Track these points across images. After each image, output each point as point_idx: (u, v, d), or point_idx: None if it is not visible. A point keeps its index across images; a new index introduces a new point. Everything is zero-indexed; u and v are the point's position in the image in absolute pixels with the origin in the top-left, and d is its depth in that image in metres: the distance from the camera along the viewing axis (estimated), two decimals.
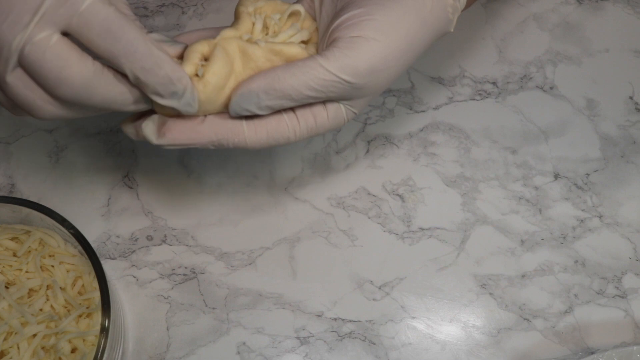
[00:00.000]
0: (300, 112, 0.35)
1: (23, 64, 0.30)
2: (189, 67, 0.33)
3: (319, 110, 0.35)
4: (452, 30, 0.36)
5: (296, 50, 0.35)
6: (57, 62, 0.29)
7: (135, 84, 0.31)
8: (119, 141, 0.50)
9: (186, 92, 0.32)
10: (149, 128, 0.34)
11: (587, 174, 0.50)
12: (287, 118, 0.35)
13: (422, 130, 0.50)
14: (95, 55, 0.30)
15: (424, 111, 0.51)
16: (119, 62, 0.30)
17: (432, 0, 0.34)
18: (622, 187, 0.49)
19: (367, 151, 0.50)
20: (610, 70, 0.53)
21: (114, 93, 0.31)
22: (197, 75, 0.33)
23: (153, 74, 0.30)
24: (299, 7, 0.37)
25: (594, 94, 0.52)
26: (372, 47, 0.32)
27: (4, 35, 0.29)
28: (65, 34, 0.30)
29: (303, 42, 0.37)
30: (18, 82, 0.30)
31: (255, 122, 0.34)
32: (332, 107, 0.35)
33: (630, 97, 0.52)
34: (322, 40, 0.36)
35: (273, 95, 0.33)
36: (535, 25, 0.54)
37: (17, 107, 0.32)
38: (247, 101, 0.33)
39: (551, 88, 0.52)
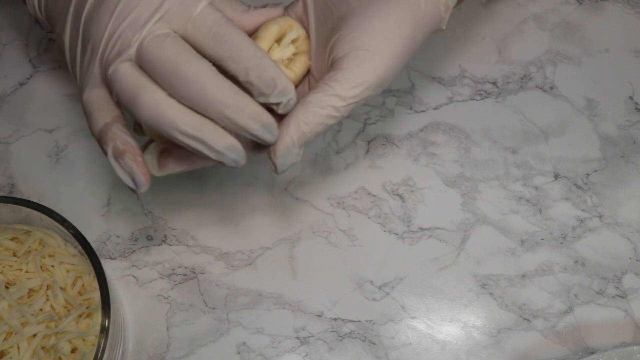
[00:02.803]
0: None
1: (140, 55, 0.31)
2: (264, 44, 0.36)
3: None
4: (444, 27, 0.37)
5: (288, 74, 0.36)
6: (176, 54, 0.31)
7: (244, 85, 0.32)
8: None
9: (288, 91, 0.33)
10: (148, 161, 0.36)
11: (587, 174, 0.50)
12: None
13: (422, 130, 0.50)
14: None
15: (424, 111, 0.51)
16: (225, 63, 0.32)
17: (426, 0, 0.35)
18: (622, 187, 0.49)
19: (367, 151, 0.50)
20: (610, 70, 0.53)
21: (226, 98, 0.31)
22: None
23: (257, 74, 0.32)
24: (295, 34, 0.38)
25: (594, 94, 0.52)
26: (377, 60, 0.34)
27: (124, 32, 0.31)
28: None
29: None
30: (128, 70, 0.31)
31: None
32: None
33: (630, 97, 0.52)
34: (321, 50, 0.37)
35: (304, 139, 0.34)
36: (535, 25, 0.54)
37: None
38: (290, 157, 0.34)
39: (551, 88, 0.52)
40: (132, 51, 0.32)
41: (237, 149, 0.32)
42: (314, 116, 0.34)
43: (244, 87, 0.32)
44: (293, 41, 0.38)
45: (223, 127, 0.32)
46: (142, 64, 0.32)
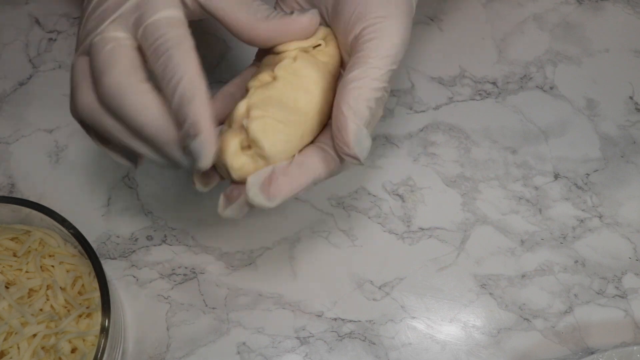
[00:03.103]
0: None
1: (89, 51, 0.32)
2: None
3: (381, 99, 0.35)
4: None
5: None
6: (110, 58, 0.30)
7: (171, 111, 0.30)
8: None
9: (197, 141, 0.29)
10: (253, 192, 0.32)
11: (587, 174, 0.50)
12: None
13: (422, 130, 0.50)
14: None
15: (424, 111, 0.51)
16: (160, 81, 0.30)
17: None
18: (622, 187, 0.49)
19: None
20: (610, 70, 0.53)
21: (145, 115, 0.30)
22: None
23: (176, 105, 0.30)
24: (321, 36, 0.36)
25: (594, 94, 0.52)
26: (391, 24, 0.33)
27: (88, 25, 0.32)
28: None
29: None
30: (79, 65, 0.32)
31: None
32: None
33: (630, 97, 0.52)
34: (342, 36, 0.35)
35: (363, 117, 0.32)
36: (535, 25, 0.54)
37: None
38: (363, 140, 0.32)
39: (551, 88, 0.52)
40: (87, 44, 0.32)
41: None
42: (360, 93, 0.32)
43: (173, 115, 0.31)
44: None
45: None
46: (89, 56, 0.32)
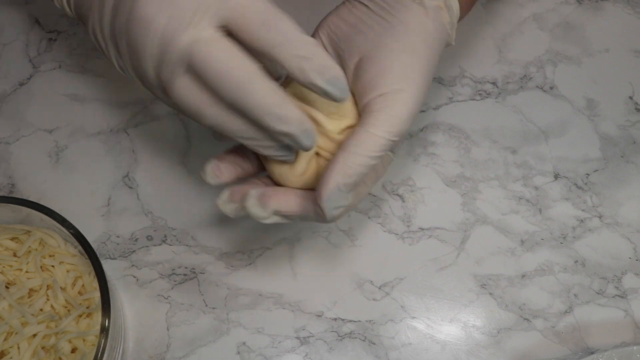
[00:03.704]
0: (367, 177, 0.36)
1: (191, 64, 0.30)
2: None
3: (377, 166, 0.37)
4: (453, 43, 0.38)
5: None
6: (225, 58, 0.30)
7: (293, 76, 0.31)
8: (119, 141, 0.50)
9: (339, 79, 0.31)
10: (250, 202, 0.35)
11: (587, 174, 0.50)
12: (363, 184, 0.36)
13: (422, 130, 0.50)
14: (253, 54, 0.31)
15: (424, 111, 0.51)
16: (275, 51, 0.30)
17: (433, 22, 0.36)
18: (622, 187, 0.49)
19: None
20: (610, 70, 0.53)
21: (273, 101, 0.31)
22: None
23: (308, 61, 0.30)
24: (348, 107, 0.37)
25: (594, 94, 0.52)
26: (404, 97, 0.34)
27: (169, 36, 0.30)
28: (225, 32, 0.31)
29: None
30: (186, 86, 0.31)
31: None
32: (385, 158, 0.37)
33: (630, 97, 0.52)
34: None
35: (349, 181, 0.34)
36: (535, 25, 0.54)
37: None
38: (336, 200, 0.34)
39: (551, 88, 0.52)
40: (184, 60, 0.31)
41: (307, 125, 0.32)
42: (355, 159, 0.33)
43: (293, 75, 0.31)
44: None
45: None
46: (194, 68, 0.31)
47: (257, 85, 0.31)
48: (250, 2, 0.30)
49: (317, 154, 0.37)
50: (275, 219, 0.36)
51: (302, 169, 0.36)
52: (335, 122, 0.36)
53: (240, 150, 0.38)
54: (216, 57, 0.30)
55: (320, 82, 0.31)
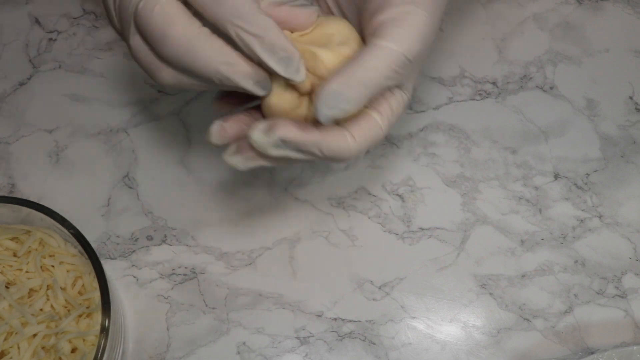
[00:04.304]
0: (379, 105, 0.34)
1: (137, 25, 0.31)
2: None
3: (390, 98, 0.34)
4: None
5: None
6: (163, 20, 0.30)
7: (242, 49, 0.31)
8: (119, 141, 0.50)
9: (293, 59, 0.31)
10: (256, 131, 0.33)
11: (587, 174, 0.50)
12: (372, 114, 0.33)
13: (422, 130, 0.50)
14: (205, 21, 0.30)
15: (424, 111, 0.51)
16: (224, 25, 0.30)
17: None
18: (622, 187, 0.49)
19: (367, 151, 0.50)
20: (610, 70, 0.53)
21: (218, 60, 0.30)
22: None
23: (259, 39, 0.30)
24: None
25: (594, 94, 0.52)
26: (415, 17, 0.31)
27: (124, 4, 0.30)
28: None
29: None
30: (137, 46, 0.32)
31: (350, 128, 0.33)
32: (397, 93, 0.34)
33: (630, 97, 0.52)
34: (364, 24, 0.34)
35: (354, 92, 0.31)
36: (535, 25, 0.54)
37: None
38: (335, 99, 0.31)
39: (551, 88, 0.52)
40: (131, 14, 0.31)
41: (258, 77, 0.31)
42: (363, 70, 0.30)
43: (244, 52, 0.31)
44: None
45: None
46: (139, 29, 0.31)
47: (198, 47, 0.30)
48: None
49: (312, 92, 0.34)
50: (282, 152, 0.33)
51: (292, 102, 0.34)
52: (334, 52, 0.33)
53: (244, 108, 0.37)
54: (155, 21, 0.30)
55: (271, 62, 0.30)
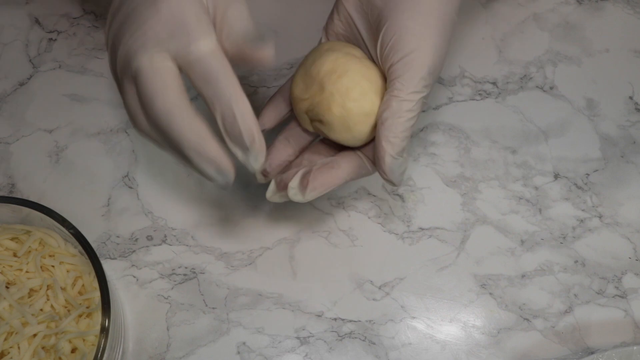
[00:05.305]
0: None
1: (135, 76, 0.33)
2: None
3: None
4: None
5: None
6: (156, 87, 0.32)
7: (222, 132, 0.34)
8: (119, 141, 0.50)
9: (253, 149, 0.34)
10: (292, 190, 0.39)
11: (587, 174, 0.50)
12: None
13: (422, 130, 0.50)
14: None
15: (424, 111, 0.51)
16: (210, 105, 0.33)
17: None
18: (622, 187, 0.49)
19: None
20: (610, 70, 0.53)
21: (190, 140, 0.33)
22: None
23: (231, 124, 0.33)
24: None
25: (594, 94, 0.52)
26: (422, 57, 0.37)
27: (130, 48, 0.33)
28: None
29: None
30: (129, 91, 0.34)
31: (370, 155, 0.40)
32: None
33: (630, 97, 0.52)
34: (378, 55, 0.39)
35: (399, 148, 0.38)
36: (535, 25, 0.54)
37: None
38: (397, 168, 0.38)
39: (551, 88, 0.52)
40: (132, 70, 0.33)
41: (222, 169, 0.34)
42: (396, 127, 0.37)
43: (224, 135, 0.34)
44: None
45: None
46: (136, 82, 0.33)
47: (177, 123, 0.33)
48: (202, 57, 0.32)
49: None
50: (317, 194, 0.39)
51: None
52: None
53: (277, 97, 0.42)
54: (150, 82, 0.32)
55: (235, 149, 0.34)
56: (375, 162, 0.38)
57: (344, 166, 0.39)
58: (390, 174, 0.38)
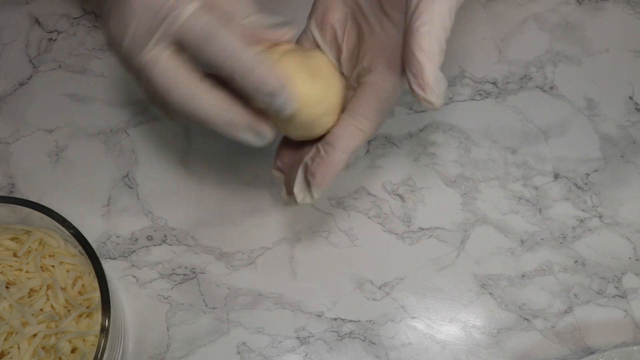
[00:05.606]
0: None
1: (143, 80, 0.33)
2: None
3: None
4: None
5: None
6: (164, 77, 0.32)
7: (239, 90, 0.32)
8: (119, 141, 0.50)
9: (278, 95, 0.32)
10: (299, 196, 0.36)
11: (587, 174, 0.50)
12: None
13: (422, 130, 0.50)
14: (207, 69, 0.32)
15: (424, 111, 0.51)
16: (220, 66, 0.32)
17: None
18: (622, 187, 0.49)
19: (367, 151, 0.50)
20: (610, 70, 0.53)
21: (217, 115, 0.33)
22: None
23: (248, 75, 0.31)
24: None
25: (594, 94, 0.52)
26: None
27: (131, 56, 0.33)
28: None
29: None
30: (139, 85, 0.34)
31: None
32: None
33: (630, 97, 0.52)
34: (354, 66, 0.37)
35: (440, 57, 0.32)
36: (535, 25, 0.54)
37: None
38: (441, 84, 0.32)
39: (551, 88, 0.52)
40: (135, 70, 0.33)
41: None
42: (431, 36, 0.31)
43: (242, 92, 0.33)
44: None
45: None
46: (148, 83, 0.33)
47: (197, 103, 0.32)
48: (194, 21, 0.31)
49: None
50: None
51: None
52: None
53: None
54: (158, 78, 0.32)
55: (259, 97, 0.32)
56: (412, 82, 0.32)
57: (339, 145, 0.35)
58: (434, 90, 0.31)
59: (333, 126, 0.36)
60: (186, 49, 0.32)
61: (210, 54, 0.31)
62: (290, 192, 0.37)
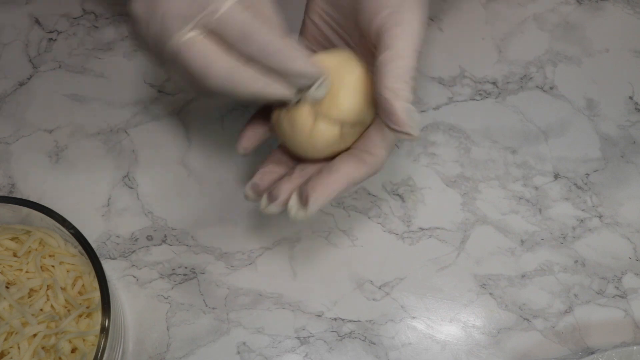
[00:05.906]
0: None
1: (177, 62, 0.34)
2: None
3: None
4: None
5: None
6: (202, 60, 0.33)
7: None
8: (119, 141, 0.50)
9: (320, 80, 0.35)
10: (293, 209, 0.36)
11: (587, 174, 0.50)
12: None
13: (422, 130, 0.50)
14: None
15: (424, 111, 0.51)
16: (258, 61, 0.33)
17: None
18: (622, 187, 0.49)
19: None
20: (610, 70, 0.53)
21: (259, 86, 0.34)
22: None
23: (286, 70, 0.33)
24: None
25: (594, 94, 0.52)
26: (410, 12, 0.34)
27: (161, 40, 0.33)
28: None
29: None
30: (170, 70, 0.35)
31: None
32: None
33: (630, 97, 0.52)
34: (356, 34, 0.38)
35: (407, 92, 0.34)
36: (535, 25, 0.54)
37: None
38: (413, 116, 0.33)
39: (551, 88, 0.52)
40: (167, 54, 0.34)
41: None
42: (397, 72, 0.33)
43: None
44: None
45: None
46: (182, 66, 0.34)
47: (236, 80, 0.33)
48: (230, 16, 0.32)
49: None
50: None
51: (307, 124, 0.37)
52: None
53: (258, 117, 0.41)
54: (195, 60, 0.33)
55: (297, 82, 0.34)
56: (385, 119, 0.33)
57: (343, 169, 0.36)
58: (407, 122, 0.33)
59: (342, 151, 0.38)
60: (221, 37, 0.33)
61: (247, 49, 0.33)
62: (272, 200, 0.37)
